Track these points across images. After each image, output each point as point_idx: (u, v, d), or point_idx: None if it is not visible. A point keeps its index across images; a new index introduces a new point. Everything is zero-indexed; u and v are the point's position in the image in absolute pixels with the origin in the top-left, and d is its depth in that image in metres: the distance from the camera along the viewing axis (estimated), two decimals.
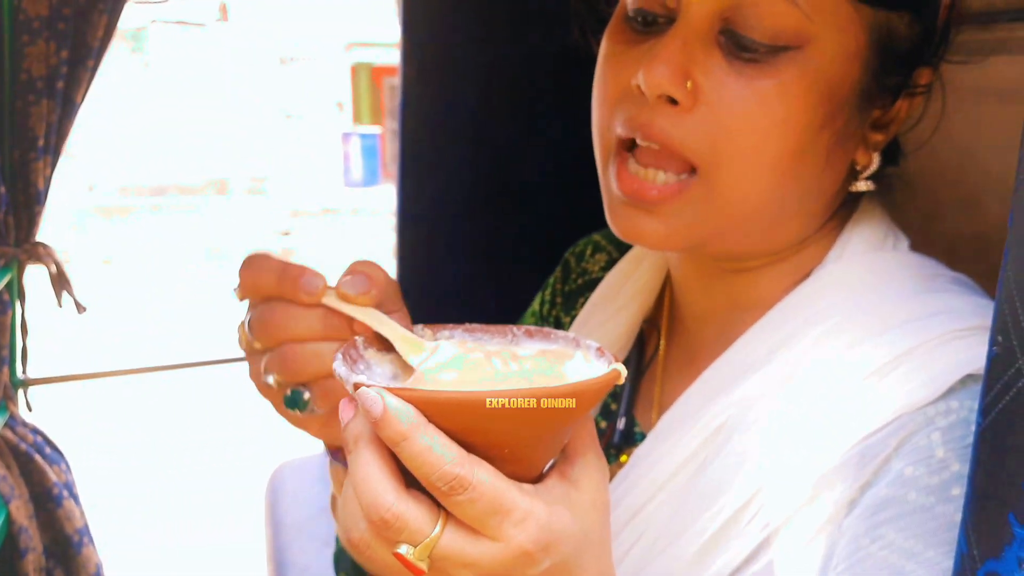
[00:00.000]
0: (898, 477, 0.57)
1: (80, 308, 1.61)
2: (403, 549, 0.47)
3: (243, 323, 0.62)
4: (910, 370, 0.60)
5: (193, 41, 14.61)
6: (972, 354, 0.58)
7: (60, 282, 1.61)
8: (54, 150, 1.56)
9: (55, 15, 1.48)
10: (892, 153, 0.75)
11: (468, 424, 0.47)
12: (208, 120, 14.70)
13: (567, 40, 0.96)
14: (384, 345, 0.58)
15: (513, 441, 0.48)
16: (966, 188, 1.13)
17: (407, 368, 0.56)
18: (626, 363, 0.83)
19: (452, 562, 0.47)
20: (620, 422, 0.78)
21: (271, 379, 0.60)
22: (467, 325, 0.60)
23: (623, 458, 0.75)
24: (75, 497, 1.70)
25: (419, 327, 0.60)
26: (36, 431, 1.68)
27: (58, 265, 1.60)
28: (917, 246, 1.12)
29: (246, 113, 15.15)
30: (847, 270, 0.69)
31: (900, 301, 0.65)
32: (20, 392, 1.70)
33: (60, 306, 1.65)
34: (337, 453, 0.70)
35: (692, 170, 0.65)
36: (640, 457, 0.69)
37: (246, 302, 0.63)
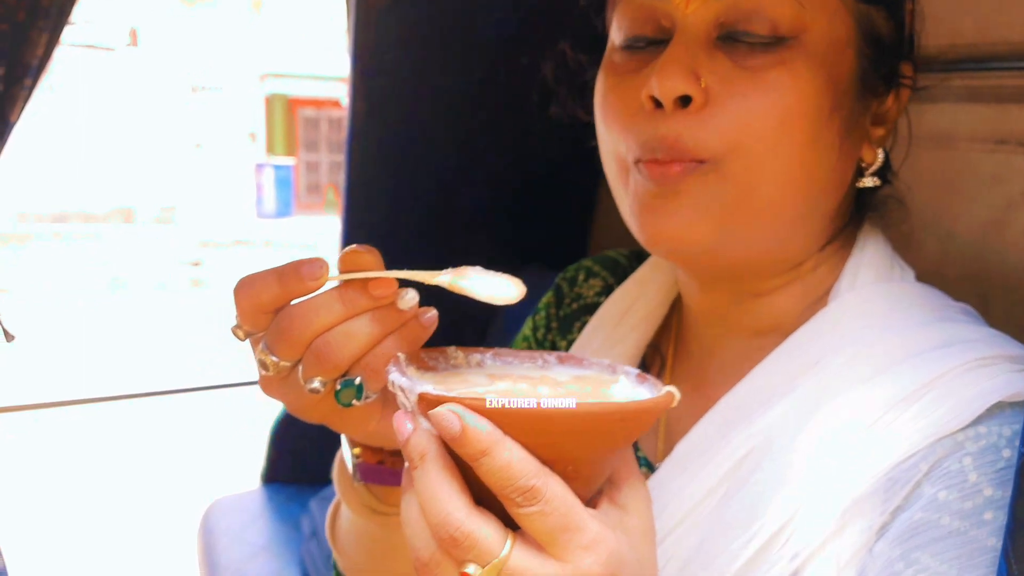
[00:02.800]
0: (931, 501, 0.58)
1: (8, 336, 1.53)
2: (471, 569, 0.46)
3: (261, 356, 0.59)
4: (937, 398, 0.61)
5: (101, 65, 14.17)
6: (998, 382, 0.59)
7: None
8: None
9: None
10: (882, 171, 0.76)
11: (542, 438, 0.47)
12: (115, 146, 14.24)
13: (508, 75, 0.97)
14: (422, 364, 0.58)
15: (579, 458, 0.48)
16: (905, 226, 1.19)
17: (447, 385, 0.55)
18: None
19: None
20: None
21: (316, 383, 0.57)
22: (496, 350, 0.60)
23: None
24: None
25: (452, 348, 0.60)
26: None
27: None
28: None
29: (155, 141, 14.75)
30: (863, 299, 0.70)
31: (917, 331, 0.66)
32: None
33: None
34: (369, 471, 0.68)
35: (700, 162, 0.66)
36: (660, 485, 0.68)
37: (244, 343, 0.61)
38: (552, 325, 0.94)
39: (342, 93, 17.24)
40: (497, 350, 0.60)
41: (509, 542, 0.47)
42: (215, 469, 4.18)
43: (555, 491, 0.46)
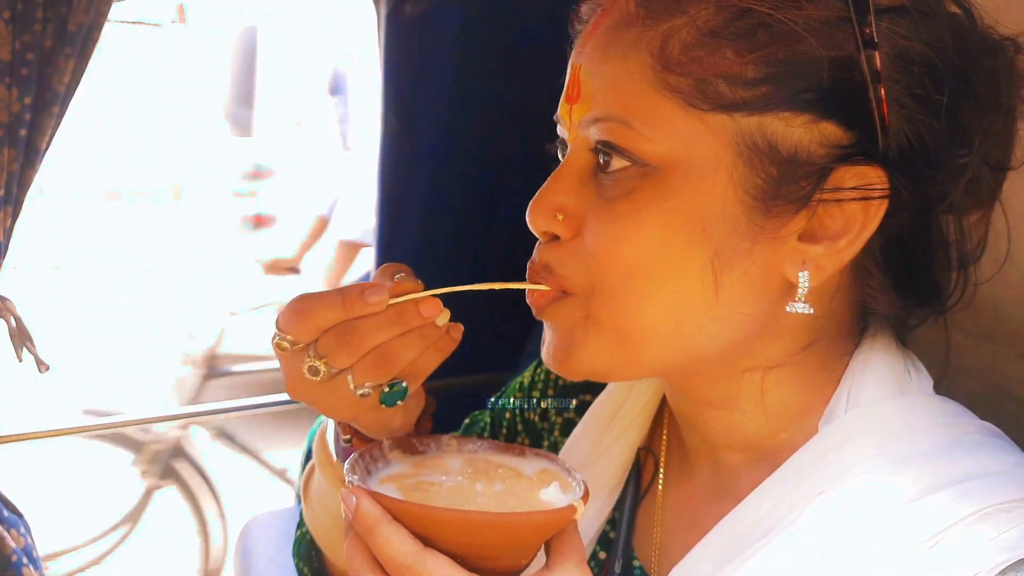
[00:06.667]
0: None
1: (42, 367, 1.53)
2: None
3: (311, 363, 0.65)
4: (941, 557, 0.54)
5: (148, 42, 14.31)
6: (1014, 535, 0.54)
7: (20, 337, 1.53)
8: (15, 200, 1.48)
9: (18, 60, 1.39)
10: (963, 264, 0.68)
11: (439, 532, 0.55)
12: (163, 123, 14.42)
13: (546, 86, 0.91)
14: (411, 448, 0.68)
15: (483, 551, 0.56)
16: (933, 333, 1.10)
17: (420, 469, 0.66)
18: (623, 493, 0.80)
19: None
20: (616, 562, 0.75)
21: (367, 388, 0.66)
22: (491, 442, 0.68)
23: None
24: (35, 562, 1.61)
25: (447, 436, 0.70)
26: None
27: (18, 320, 1.52)
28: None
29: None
30: (873, 418, 0.63)
31: (924, 463, 0.60)
32: None
33: (20, 361, 1.56)
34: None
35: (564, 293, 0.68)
36: None
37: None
38: (548, 392, 0.92)
39: None
40: (492, 442, 0.68)
41: None
42: (250, 488, 4.20)
43: (432, 569, 0.54)
